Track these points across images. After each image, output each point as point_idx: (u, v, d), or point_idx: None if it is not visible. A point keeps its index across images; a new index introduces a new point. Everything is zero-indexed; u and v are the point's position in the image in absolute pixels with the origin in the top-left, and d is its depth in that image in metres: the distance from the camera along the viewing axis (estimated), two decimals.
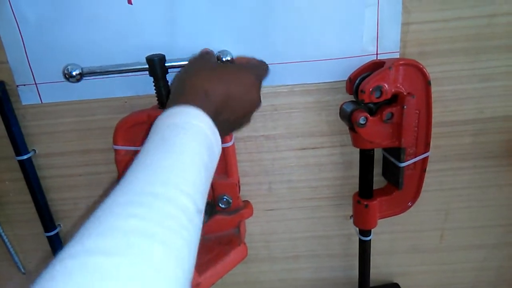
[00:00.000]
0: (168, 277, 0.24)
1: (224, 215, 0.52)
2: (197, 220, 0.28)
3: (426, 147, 0.50)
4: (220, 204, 0.52)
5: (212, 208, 0.54)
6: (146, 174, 0.28)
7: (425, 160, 0.51)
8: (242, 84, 0.39)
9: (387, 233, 0.59)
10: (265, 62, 0.46)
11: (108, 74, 0.48)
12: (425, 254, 0.60)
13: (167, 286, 0.23)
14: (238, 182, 0.52)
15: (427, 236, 0.59)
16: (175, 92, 0.38)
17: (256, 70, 0.42)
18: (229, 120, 0.38)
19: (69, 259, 0.22)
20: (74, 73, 0.46)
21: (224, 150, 0.49)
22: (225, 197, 0.51)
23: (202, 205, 0.29)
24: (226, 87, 0.37)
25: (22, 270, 0.63)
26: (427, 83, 0.47)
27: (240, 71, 0.40)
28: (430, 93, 0.47)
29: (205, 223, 0.53)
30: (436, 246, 0.59)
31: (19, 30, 0.48)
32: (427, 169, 0.51)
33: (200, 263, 0.48)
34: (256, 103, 0.41)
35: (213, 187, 0.51)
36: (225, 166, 0.50)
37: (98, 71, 0.47)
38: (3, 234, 0.60)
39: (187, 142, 0.31)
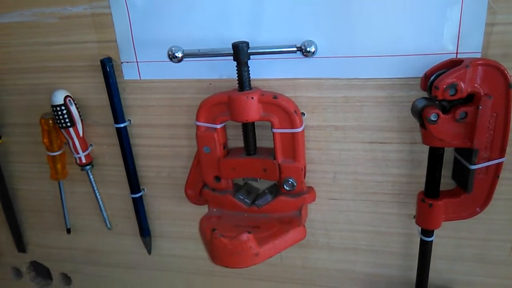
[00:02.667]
0: None
1: (287, 197, 0.56)
2: None
3: (502, 153, 0.49)
4: (285, 186, 0.55)
5: (277, 189, 0.57)
6: None
7: (499, 166, 0.49)
8: None
9: (452, 238, 0.57)
10: None
11: (203, 57, 0.55)
12: (491, 265, 0.58)
13: None
14: (304, 167, 0.55)
15: (495, 247, 0.56)
16: None
17: None
18: None
19: None
20: (177, 54, 0.53)
21: (293, 135, 0.52)
22: (290, 180, 0.54)
23: None
24: None
25: (108, 225, 0.72)
26: (508, 86, 0.45)
27: None
28: (510, 97, 0.46)
29: (269, 202, 0.57)
30: (505, 258, 0.57)
31: (128, 14, 0.56)
32: (500, 176, 0.50)
33: (261, 236, 0.52)
34: None
35: (280, 169, 0.54)
36: (293, 150, 0.53)
37: (196, 53, 0.53)
38: (96, 191, 0.69)
39: None
